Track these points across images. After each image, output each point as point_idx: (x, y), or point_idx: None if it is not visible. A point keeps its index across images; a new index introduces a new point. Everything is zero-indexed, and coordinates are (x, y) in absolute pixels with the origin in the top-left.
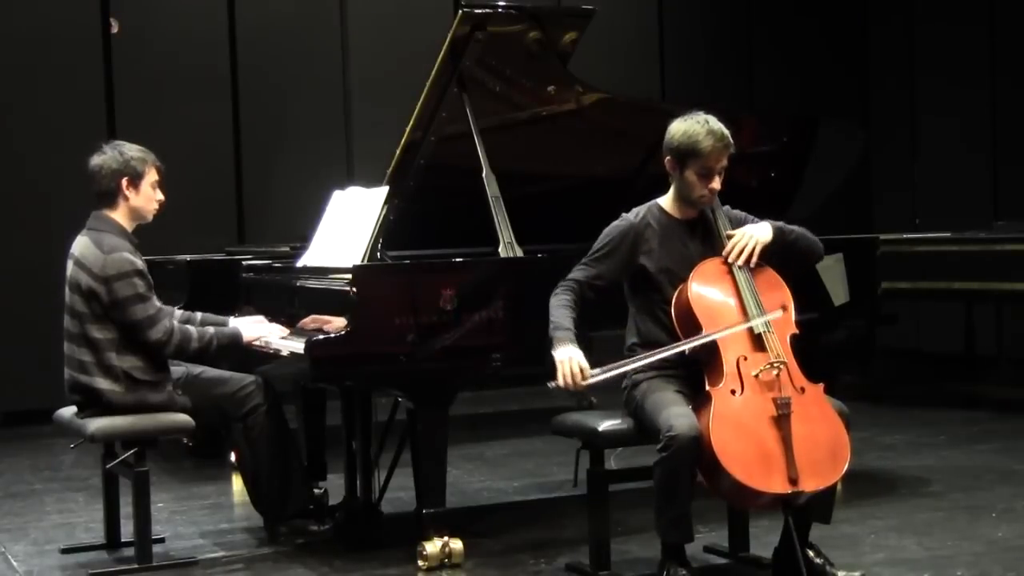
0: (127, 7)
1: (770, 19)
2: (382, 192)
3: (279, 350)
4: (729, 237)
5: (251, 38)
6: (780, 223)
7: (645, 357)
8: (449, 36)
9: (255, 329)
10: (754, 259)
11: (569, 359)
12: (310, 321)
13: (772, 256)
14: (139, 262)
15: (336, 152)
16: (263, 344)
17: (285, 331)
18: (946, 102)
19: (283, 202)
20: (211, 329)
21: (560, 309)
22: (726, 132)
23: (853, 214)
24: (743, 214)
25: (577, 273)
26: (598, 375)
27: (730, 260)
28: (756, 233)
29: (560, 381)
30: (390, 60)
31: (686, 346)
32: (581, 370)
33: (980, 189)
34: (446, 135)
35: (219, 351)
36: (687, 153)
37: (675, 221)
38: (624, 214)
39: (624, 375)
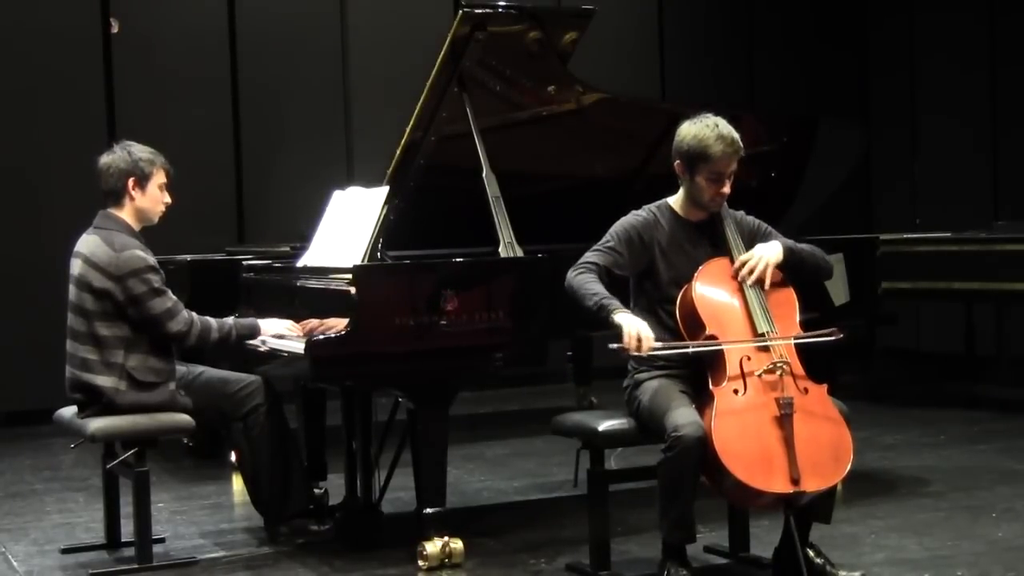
0: (127, 7)
1: (770, 18)
2: (382, 192)
3: (279, 350)
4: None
5: (251, 38)
6: (791, 242)
7: (705, 345)
8: (449, 36)
9: (275, 326)
10: (767, 282)
11: (637, 325)
12: (317, 325)
13: (780, 272)
14: (150, 258)
15: (336, 152)
16: (259, 343)
17: (301, 334)
18: (946, 102)
19: (283, 202)
20: (231, 319)
21: (596, 284)
22: (736, 136)
23: (853, 214)
24: (754, 221)
25: (596, 257)
26: (659, 347)
27: (739, 278)
28: (767, 254)
29: (626, 343)
30: (390, 60)
31: (740, 344)
32: (646, 337)
33: (980, 189)
34: (446, 135)
35: (238, 342)
36: (697, 157)
37: (684, 222)
38: (635, 211)
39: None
